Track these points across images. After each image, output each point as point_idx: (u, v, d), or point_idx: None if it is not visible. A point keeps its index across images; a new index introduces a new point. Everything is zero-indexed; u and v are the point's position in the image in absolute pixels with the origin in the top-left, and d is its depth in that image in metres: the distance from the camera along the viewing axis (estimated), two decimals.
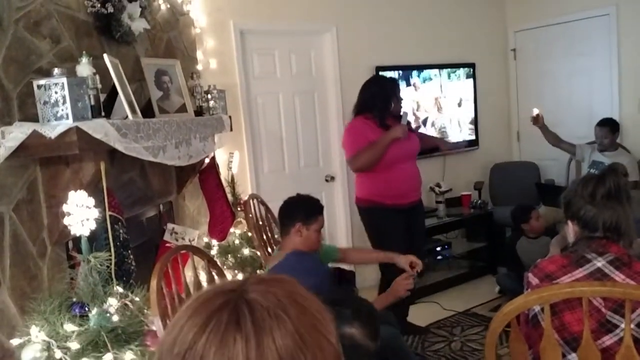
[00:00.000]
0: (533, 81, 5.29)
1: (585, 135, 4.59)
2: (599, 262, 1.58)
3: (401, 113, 3.37)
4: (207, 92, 3.08)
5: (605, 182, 1.60)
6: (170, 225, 2.80)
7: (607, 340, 1.52)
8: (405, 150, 3.32)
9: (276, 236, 3.35)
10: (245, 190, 3.72)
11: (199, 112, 3.02)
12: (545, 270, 1.65)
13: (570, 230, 1.70)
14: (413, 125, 4.00)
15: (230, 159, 3.52)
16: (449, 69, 4.94)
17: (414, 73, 4.70)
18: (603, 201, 1.59)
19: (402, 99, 3.44)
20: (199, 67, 3.46)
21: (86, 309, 1.83)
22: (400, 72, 4.61)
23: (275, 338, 0.64)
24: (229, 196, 3.36)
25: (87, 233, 1.82)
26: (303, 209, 2.39)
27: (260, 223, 3.26)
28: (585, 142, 4.53)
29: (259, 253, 3.10)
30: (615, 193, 1.59)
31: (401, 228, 3.33)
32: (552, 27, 5.03)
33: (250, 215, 3.19)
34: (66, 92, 1.89)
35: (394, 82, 3.49)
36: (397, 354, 2.21)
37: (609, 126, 4.27)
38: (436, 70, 4.85)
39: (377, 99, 3.30)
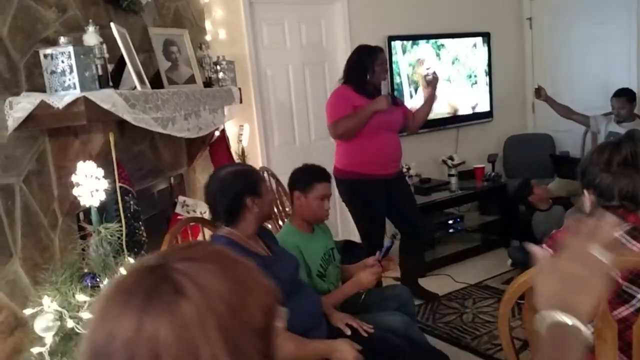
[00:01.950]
0: (549, 51, 5.17)
1: (601, 106, 4.49)
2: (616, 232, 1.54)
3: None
4: (216, 63, 3.04)
5: (621, 149, 1.55)
6: (181, 198, 2.80)
7: (624, 311, 1.49)
8: (387, 122, 3.29)
9: (287, 209, 3.34)
10: (256, 163, 3.70)
11: (208, 83, 2.99)
12: (560, 242, 1.62)
13: (587, 200, 1.66)
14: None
15: (241, 132, 3.50)
16: (463, 38, 4.84)
17: (427, 42, 4.62)
18: (619, 169, 1.55)
19: (384, 69, 3.37)
20: (208, 37, 3.41)
21: (97, 279, 1.83)
22: (412, 41, 4.52)
23: (214, 284, 0.65)
24: None
25: (96, 204, 1.82)
26: (301, 177, 2.37)
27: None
28: (601, 113, 4.44)
29: (269, 226, 3.10)
30: (632, 160, 1.54)
31: (382, 199, 3.32)
32: None
33: None
34: (73, 62, 1.87)
35: (373, 52, 3.31)
36: (411, 342, 2.19)
37: (626, 96, 4.18)
38: (449, 40, 4.76)
39: (354, 69, 3.28)
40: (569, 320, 0.74)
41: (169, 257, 0.68)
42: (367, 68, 3.25)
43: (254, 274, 0.71)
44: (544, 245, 1.68)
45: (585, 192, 1.66)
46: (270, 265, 1.79)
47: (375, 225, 3.34)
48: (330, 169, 2.66)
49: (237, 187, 1.88)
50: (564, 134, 4.96)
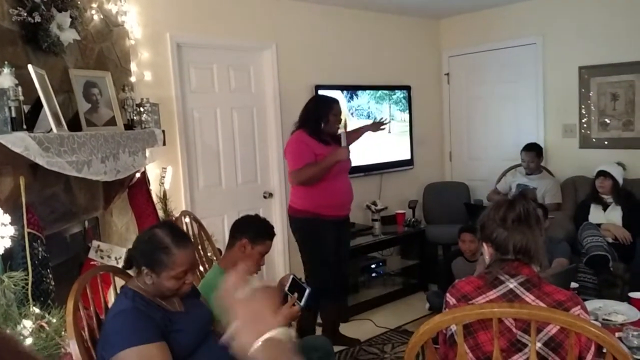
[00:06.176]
0: (465, 105, 5.52)
1: (512, 157, 4.83)
2: (511, 284, 1.66)
3: (338, 133, 3.45)
4: (139, 105, 3.02)
5: (515, 207, 1.69)
6: (95, 243, 2.70)
7: (517, 359, 1.59)
8: (342, 167, 3.46)
9: (209, 254, 3.30)
10: (179, 206, 3.65)
11: (129, 125, 2.95)
12: (462, 291, 1.72)
13: (486, 252, 1.78)
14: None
15: (163, 174, 3.45)
16: (386, 91, 5.08)
17: (353, 93, 4.80)
18: (514, 225, 1.68)
19: (337, 119, 3.50)
20: (133, 79, 3.39)
21: None
22: (339, 91, 4.69)
23: None
24: (160, 212, 3.29)
25: (0, 251, 1.74)
26: (255, 227, 2.38)
27: (192, 241, 3.21)
28: (512, 164, 4.79)
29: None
30: (524, 217, 1.68)
31: (333, 239, 3.44)
32: (484, 54, 5.27)
33: None
34: None
35: (328, 102, 3.49)
36: None
37: (535, 151, 4.54)
38: (372, 91, 4.97)
39: (310, 117, 3.42)
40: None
41: None
42: (321, 117, 3.39)
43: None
44: (447, 294, 1.77)
45: (484, 244, 1.78)
46: (177, 319, 1.75)
47: (323, 264, 3.40)
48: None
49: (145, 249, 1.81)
50: (478, 183, 5.26)
